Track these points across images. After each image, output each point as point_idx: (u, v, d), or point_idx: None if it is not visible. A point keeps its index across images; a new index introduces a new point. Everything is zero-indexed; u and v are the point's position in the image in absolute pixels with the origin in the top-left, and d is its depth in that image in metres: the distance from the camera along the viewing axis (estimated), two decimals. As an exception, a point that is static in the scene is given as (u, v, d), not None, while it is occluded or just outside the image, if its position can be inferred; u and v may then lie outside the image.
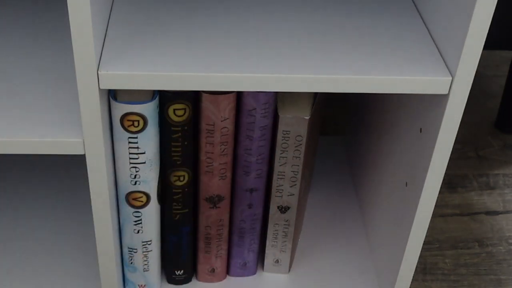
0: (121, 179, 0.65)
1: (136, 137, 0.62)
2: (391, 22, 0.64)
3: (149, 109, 0.60)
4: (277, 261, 0.78)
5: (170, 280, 0.77)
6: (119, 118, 0.60)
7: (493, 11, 0.53)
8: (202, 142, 0.65)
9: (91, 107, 0.56)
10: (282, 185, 0.71)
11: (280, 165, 0.69)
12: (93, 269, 0.78)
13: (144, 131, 0.61)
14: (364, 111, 0.86)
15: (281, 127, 0.66)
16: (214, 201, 0.70)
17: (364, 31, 0.62)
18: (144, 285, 0.75)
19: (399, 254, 0.71)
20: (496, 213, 1.06)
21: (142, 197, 0.66)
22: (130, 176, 0.64)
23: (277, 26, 0.62)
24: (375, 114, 0.81)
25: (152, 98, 0.60)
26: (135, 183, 0.65)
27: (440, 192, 1.09)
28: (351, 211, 0.89)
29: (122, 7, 0.63)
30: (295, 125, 0.66)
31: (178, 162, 0.66)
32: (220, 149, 0.66)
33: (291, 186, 0.71)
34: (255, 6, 0.65)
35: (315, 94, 0.68)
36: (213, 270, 0.77)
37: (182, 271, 0.76)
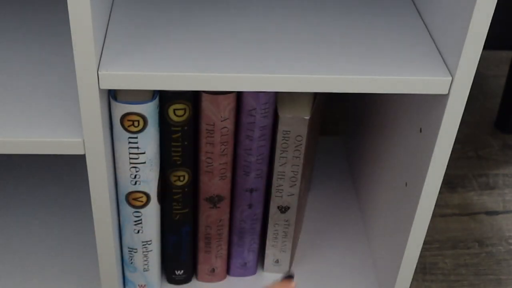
0: (121, 179, 0.65)
1: (136, 137, 0.62)
2: (391, 22, 0.64)
3: (149, 109, 0.60)
4: (277, 261, 0.78)
5: (170, 280, 0.77)
6: (119, 118, 0.60)
7: (493, 11, 0.53)
8: (202, 142, 0.65)
9: (91, 107, 0.56)
10: (282, 185, 0.71)
11: (280, 165, 0.69)
12: (93, 269, 0.78)
13: (144, 131, 0.61)
14: (364, 111, 0.86)
15: (281, 127, 0.66)
16: (214, 201, 0.70)
17: (364, 31, 0.62)
18: (144, 285, 0.75)
19: (399, 254, 0.70)
20: (496, 213, 1.06)
21: (142, 197, 0.66)
22: (130, 176, 0.64)
23: (277, 26, 0.62)
24: (375, 114, 0.80)
25: (152, 98, 0.60)
26: (135, 183, 0.65)
27: (440, 192, 1.09)
28: (351, 211, 0.89)
29: (122, 7, 0.63)
30: (295, 125, 0.66)
31: (178, 162, 0.66)
32: (220, 149, 0.66)
33: (291, 186, 0.71)
34: (255, 6, 0.65)
35: (315, 94, 0.68)
36: (213, 270, 0.77)
37: (182, 271, 0.76)
